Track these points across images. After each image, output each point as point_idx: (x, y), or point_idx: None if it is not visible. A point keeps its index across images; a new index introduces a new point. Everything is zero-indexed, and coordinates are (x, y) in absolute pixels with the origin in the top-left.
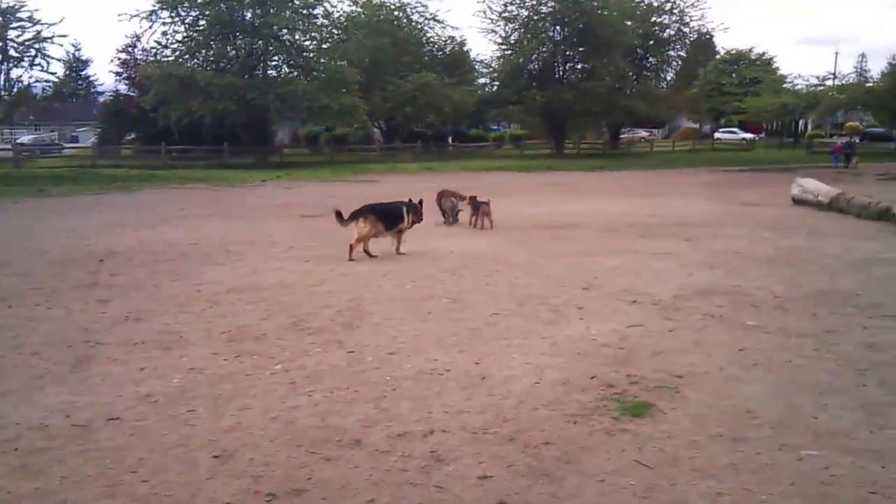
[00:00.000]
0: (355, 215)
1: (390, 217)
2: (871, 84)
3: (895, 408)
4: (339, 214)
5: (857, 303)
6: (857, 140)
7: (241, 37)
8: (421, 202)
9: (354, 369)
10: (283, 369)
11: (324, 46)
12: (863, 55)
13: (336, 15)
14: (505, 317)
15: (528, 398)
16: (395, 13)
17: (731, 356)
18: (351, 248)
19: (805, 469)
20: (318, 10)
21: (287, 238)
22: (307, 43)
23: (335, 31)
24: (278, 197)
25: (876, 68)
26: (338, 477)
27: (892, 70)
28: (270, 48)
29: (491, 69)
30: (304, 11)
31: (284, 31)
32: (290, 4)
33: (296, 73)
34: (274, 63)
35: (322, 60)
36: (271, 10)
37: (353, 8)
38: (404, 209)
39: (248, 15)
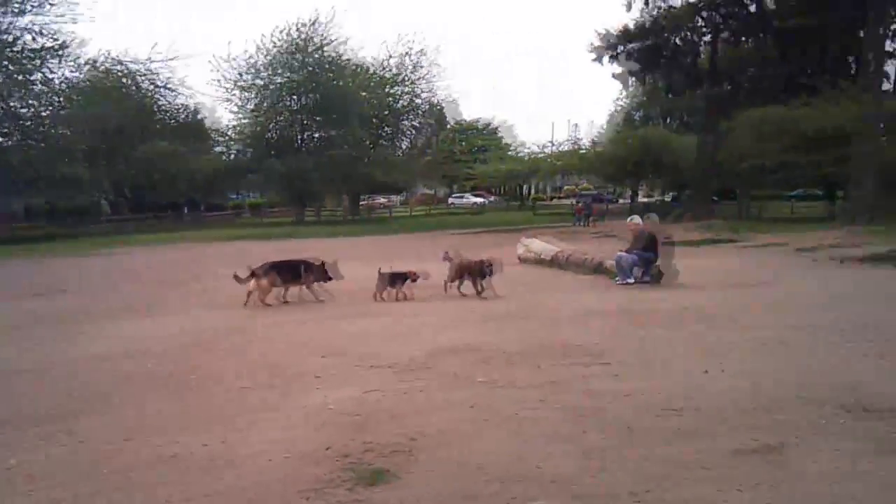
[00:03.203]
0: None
1: (289, 271)
2: (582, 151)
3: (613, 451)
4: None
5: (579, 352)
6: (591, 202)
7: None
8: (323, 263)
9: (85, 460)
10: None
11: (43, 114)
12: (576, 125)
13: (57, 82)
14: (246, 391)
15: (262, 476)
16: (124, 80)
17: (463, 413)
18: (252, 296)
19: None
20: (37, 76)
21: None
22: (24, 110)
23: (56, 98)
24: None
25: (587, 137)
26: None
27: (600, 139)
28: None
29: (228, 137)
30: (20, 77)
31: None
32: (2, 69)
33: (11, 142)
34: None
35: (41, 129)
36: None
37: (76, 74)
38: (302, 267)
39: None
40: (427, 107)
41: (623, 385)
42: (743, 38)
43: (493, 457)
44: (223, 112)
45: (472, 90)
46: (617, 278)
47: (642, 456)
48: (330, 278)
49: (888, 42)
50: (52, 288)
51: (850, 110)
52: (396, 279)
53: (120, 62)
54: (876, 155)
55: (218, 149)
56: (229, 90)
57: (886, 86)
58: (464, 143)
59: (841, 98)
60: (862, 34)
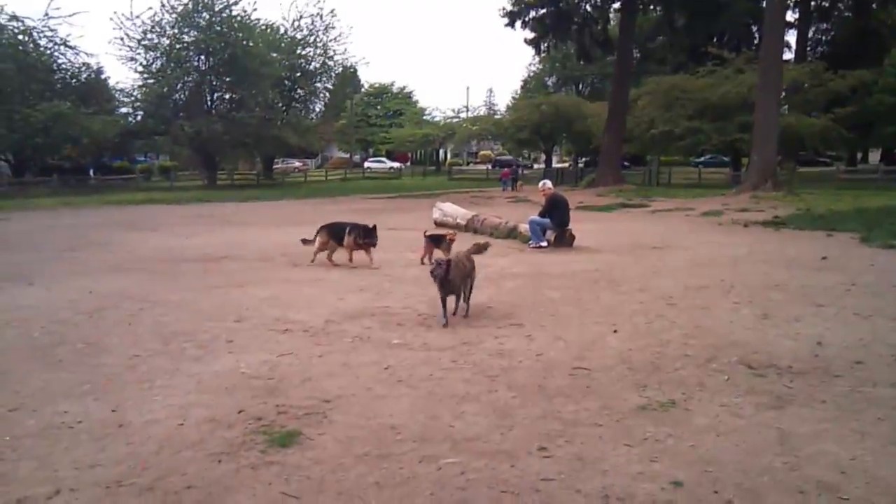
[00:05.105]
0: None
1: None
2: (498, 116)
3: (521, 409)
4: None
5: (489, 315)
6: (518, 168)
7: None
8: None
9: None
10: None
11: None
12: (490, 90)
13: None
14: (148, 358)
15: (171, 442)
16: (20, 37)
17: (377, 375)
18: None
19: (444, 477)
20: None
21: None
22: None
23: None
24: None
25: (501, 102)
26: None
27: (514, 105)
28: None
29: (133, 98)
30: None
31: None
32: None
33: None
34: None
35: None
36: None
37: None
38: (347, 229)
39: None
40: (340, 69)
41: (534, 345)
42: (652, 7)
43: (406, 417)
44: (128, 72)
45: (381, 54)
46: (530, 241)
47: (547, 414)
48: (373, 244)
49: (788, 13)
50: None
51: (752, 79)
52: (440, 241)
53: (15, 17)
54: (777, 123)
55: (123, 110)
56: (133, 49)
57: (788, 55)
58: (379, 107)
59: (745, 67)
60: (764, 4)
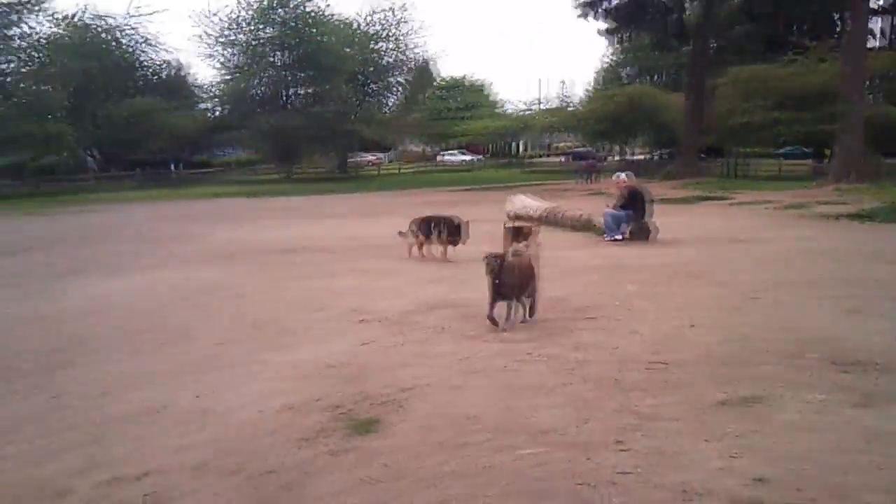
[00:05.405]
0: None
1: (428, 229)
2: (573, 108)
3: (598, 402)
4: (400, 232)
5: (566, 307)
6: (596, 160)
7: None
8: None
9: (59, 415)
10: None
11: (23, 70)
12: (563, 82)
13: (36, 37)
14: (231, 345)
15: (253, 428)
16: (104, 35)
17: (454, 366)
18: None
19: (521, 467)
20: (14, 31)
21: None
22: (4, 66)
23: (36, 53)
24: None
25: (576, 94)
26: None
27: (589, 97)
28: None
29: (213, 94)
30: None
31: None
32: None
33: None
34: None
35: (22, 85)
36: None
37: (55, 30)
38: (430, 224)
39: None
40: (414, 63)
41: (610, 339)
42: None
43: (483, 408)
44: (207, 68)
45: (454, 47)
46: (605, 234)
47: (624, 407)
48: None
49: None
50: (29, 245)
51: (835, 68)
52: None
53: (99, 16)
54: (862, 113)
55: (202, 106)
56: (212, 46)
57: (873, 43)
58: (453, 101)
59: (828, 56)
60: None
